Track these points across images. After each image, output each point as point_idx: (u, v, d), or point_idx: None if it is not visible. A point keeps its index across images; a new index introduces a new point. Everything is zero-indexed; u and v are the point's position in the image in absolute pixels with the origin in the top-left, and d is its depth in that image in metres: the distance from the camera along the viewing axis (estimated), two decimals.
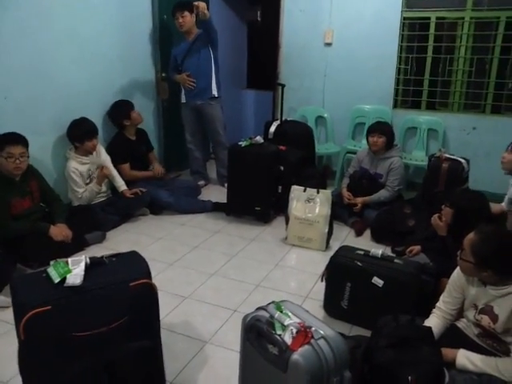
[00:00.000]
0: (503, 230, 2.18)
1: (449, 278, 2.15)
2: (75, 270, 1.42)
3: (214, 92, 4.21)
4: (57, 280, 1.39)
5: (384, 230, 3.40)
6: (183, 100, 4.30)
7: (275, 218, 3.82)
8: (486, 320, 1.82)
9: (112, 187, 3.76)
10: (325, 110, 4.79)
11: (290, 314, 1.42)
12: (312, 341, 1.33)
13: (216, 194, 4.33)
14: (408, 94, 4.57)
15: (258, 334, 1.42)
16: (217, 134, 4.36)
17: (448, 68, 4.29)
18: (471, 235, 1.80)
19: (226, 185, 4.43)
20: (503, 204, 3.17)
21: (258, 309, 1.49)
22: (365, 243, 3.32)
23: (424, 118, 4.40)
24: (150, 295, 1.53)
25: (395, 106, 4.56)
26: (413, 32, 4.38)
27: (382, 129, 3.68)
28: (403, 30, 4.33)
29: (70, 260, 1.47)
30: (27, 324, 1.30)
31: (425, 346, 1.64)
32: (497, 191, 4.02)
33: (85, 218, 3.27)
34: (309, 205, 3.31)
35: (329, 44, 4.59)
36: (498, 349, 1.85)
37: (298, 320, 1.39)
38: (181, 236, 3.47)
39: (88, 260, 1.49)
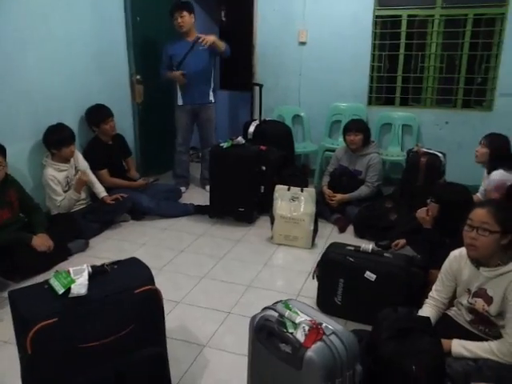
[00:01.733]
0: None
1: (437, 269, 2.22)
2: (79, 280, 1.39)
3: (211, 98, 4.28)
4: (61, 291, 1.36)
5: (366, 226, 3.46)
6: (180, 102, 4.26)
7: (258, 218, 3.83)
8: (480, 303, 1.89)
9: (91, 194, 3.68)
10: (301, 108, 4.83)
11: (298, 312, 1.43)
12: (324, 337, 1.34)
13: (196, 196, 4.30)
14: (382, 91, 4.67)
15: (268, 333, 1.42)
16: (210, 136, 4.39)
17: (420, 64, 4.41)
18: (482, 210, 1.84)
19: (206, 187, 4.44)
20: (478, 194, 3.30)
21: (266, 309, 1.50)
22: (348, 239, 3.36)
23: (398, 114, 4.50)
24: (155, 301, 1.51)
25: (370, 103, 4.65)
26: (385, 30, 4.48)
27: (357, 126, 3.76)
28: (376, 28, 4.43)
29: (71, 270, 1.44)
30: (34, 338, 1.26)
31: (426, 336, 1.68)
32: (469, 183, 4.16)
33: (66, 226, 3.18)
34: (293, 203, 3.34)
35: (303, 43, 4.64)
36: (489, 334, 1.92)
37: (307, 317, 1.40)
38: (165, 241, 3.43)
39: (90, 269, 1.46)
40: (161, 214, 3.82)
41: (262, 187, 3.76)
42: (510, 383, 1.66)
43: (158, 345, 1.53)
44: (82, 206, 3.53)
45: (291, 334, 1.36)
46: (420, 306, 2.16)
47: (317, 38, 4.58)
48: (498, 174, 3.02)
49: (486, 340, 1.88)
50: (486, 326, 1.93)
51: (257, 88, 4.56)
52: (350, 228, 3.61)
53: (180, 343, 2.21)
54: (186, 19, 4.01)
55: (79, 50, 3.70)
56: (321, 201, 3.70)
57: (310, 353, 1.31)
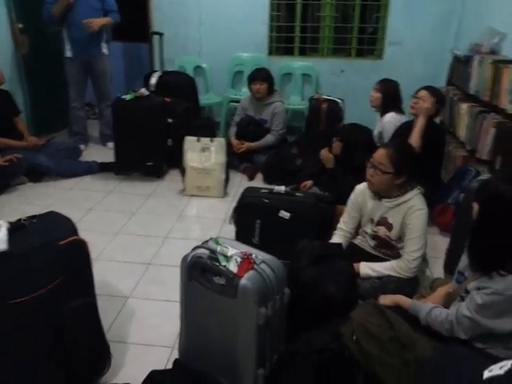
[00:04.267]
0: (405, 141, 2.49)
1: (342, 204, 2.43)
2: None
3: (105, 50, 4.04)
4: None
5: (274, 172, 3.61)
6: (68, 54, 3.94)
7: (167, 172, 3.79)
8: (382, 230, 2.13)
9: None
10: (202, 59, 4.75)
11: (228, 246, 1.49)
12: (255, 266, 1.43)
13: (97, 154, 4.12)
14: (281, 41, 4.74)
15: (201, 269, 1.47)
16: (107, 90, 4.18)
17: (316, 14, 4.53)
18: (383, 151, 2.02)
19: (107, 144, 4.26)
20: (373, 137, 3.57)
21: (196, 247, 1.54)
22: (258, 186, 3.49)
23: (298, 64, 4.63)
24: (81, 251, 1.47)
25: (270, 53, 4.70)
26: None
27: (262, 76, 3.82)
28: None
29: None
30: None
31: (339, 260, 1.86)
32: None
33: None
34: (204, 154, 3.36)
35: None
36: (390, 255, 2.19)
37: (238, 250, 1.47)
38: (71, 201, 3.26)
39: (8, 224, 1.37)
40: (62, 174, 3.61)
41: (170, 140, 3.70)
42: (408, 292, 1.92)
43: (87, 295, 1.50)
44: None
45: (224, 266, 1.43)
46: (329, 237, 2.36)
47: None
48: (390, 117, 3.30)
49: (388, 260, 2.14)
50: (387, 249, 2.19)
51: (156, 37, 4.37)
52: (259, 176, 3.74)
53: (103, 297, 2.14)
54: None
55: None
56: (229, 151, 3.76)
57: (243, 281, 1.39)
